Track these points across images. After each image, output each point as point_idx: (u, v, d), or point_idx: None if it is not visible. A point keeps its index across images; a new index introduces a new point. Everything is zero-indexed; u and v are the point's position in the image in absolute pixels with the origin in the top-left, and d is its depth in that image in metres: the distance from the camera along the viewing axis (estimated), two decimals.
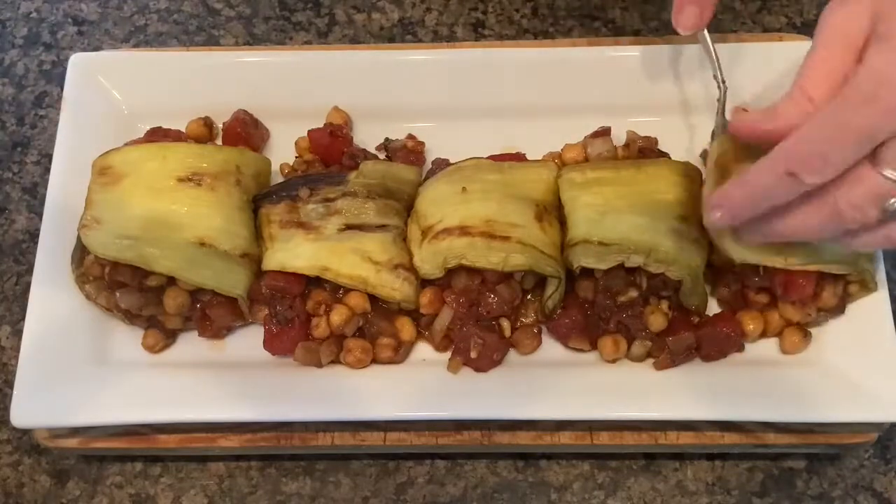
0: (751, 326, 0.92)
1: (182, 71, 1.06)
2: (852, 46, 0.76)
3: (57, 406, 0.90)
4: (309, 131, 1.02)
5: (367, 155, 1.02)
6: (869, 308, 0.92)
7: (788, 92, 0.78)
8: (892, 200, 0.75)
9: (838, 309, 0.92)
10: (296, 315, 0.92)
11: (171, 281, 0.92)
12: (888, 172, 0.73)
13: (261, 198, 0.97)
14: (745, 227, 0.83)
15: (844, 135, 0.72)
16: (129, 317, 0.95)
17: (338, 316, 0.91)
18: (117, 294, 0.92)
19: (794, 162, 0.75)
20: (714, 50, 0.95)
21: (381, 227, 0.95)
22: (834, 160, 0.74)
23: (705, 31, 0.94)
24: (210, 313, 0.93)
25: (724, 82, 0.96)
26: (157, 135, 1.01)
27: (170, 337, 0.96)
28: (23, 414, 0.90)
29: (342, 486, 0.98)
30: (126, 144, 1.00)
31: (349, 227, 0.94)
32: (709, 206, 0.82)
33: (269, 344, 0.93)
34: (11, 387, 0.91)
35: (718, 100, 0.96)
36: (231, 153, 0.98)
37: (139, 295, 0.92)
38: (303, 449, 0.95)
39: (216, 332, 0.96)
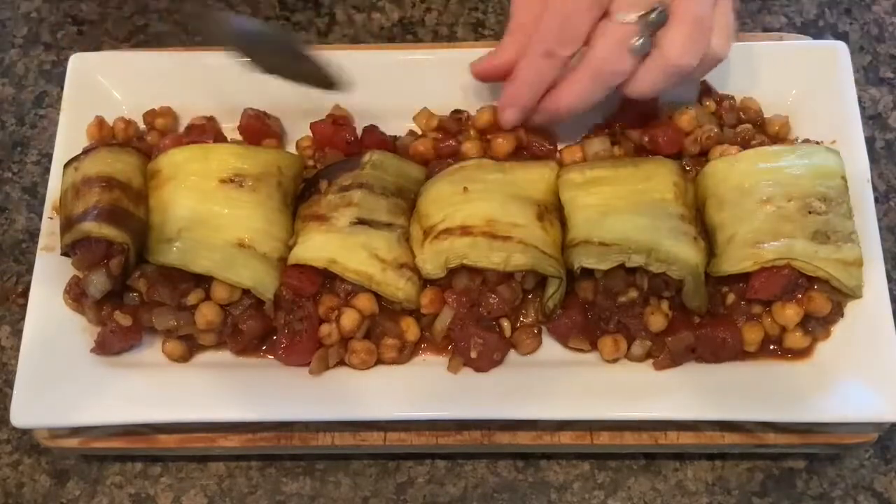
0: (752, 336, 0.91)
1: (182, 71, 1.06)
2: None
3: (57, 406, 0.90)
4: (311, 123, 1.02)
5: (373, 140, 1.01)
6: (869, 308, 0.92)
7: (506, 31, 0.93)
8: (634, 39, 0.87)
9: (833, 315, 0.92)
10: (304, 328, 0.91)
11: (207, 297, 0.92)
12: (620, 17, 0.87)
13: (298, 199, 0.97)
14: (534, 115, 0.95)
15: (576, 5, 0.88)
16: (164, 334, 0.94)
17: (348, 320, 0.91)
18: (153, 315, 0.91)
19: (547, 43, 0.89)
20: None
21: (389, 225, 0.95)
22: (576, 27, 0.89)
23: None
24: (242, 327, 0.92)
25: None
26: (194, 131, 1.01)
27: (192, 351, 0.95)
28: (23, 414, 0.90)
29: (342, 486, 0.98)
30: (167, 139, 1.00)
31: (361, 221, 0.94)
32: (501, 112, 0.96)
33: (287, 357, 0.92)
34: (11, 387, 0.91)
35: None
36: (273, 154, 0.97)
37: (177, 314, 0.91)
38: (303, 449, 0.95)
39: (247, 346, 0.94)
